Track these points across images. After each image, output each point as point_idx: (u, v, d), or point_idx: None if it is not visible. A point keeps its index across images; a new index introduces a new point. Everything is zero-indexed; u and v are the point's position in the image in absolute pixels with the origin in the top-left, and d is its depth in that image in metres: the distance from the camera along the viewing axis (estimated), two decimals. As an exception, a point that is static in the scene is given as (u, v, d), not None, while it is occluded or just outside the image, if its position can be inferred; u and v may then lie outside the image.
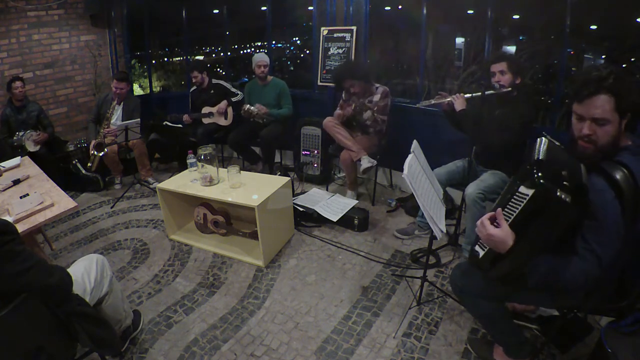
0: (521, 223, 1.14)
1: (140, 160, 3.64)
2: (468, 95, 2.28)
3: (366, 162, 2.87)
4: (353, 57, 3.41)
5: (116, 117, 3.61)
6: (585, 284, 1.11)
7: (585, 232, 1.12)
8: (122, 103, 3.62)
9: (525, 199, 1.10)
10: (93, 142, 3.42)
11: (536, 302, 1.59)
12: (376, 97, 2.96)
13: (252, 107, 3.44)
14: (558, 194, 1.03)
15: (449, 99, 2.34)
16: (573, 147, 1.21)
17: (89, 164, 3.54)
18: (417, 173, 1.71)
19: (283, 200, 2.57)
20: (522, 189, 1.11)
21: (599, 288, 1.26)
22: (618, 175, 1.09)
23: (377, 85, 3.00)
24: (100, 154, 3.37)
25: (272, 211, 2.42)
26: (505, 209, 1.19)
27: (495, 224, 1.19)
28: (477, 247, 1.35)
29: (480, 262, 1.31)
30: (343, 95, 3.12)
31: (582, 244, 1.12)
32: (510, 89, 2.12)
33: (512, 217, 1.16)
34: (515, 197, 1.15)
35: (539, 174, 1.06)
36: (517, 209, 1.14)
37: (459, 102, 2.30)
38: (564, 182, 1.04)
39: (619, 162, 1.12)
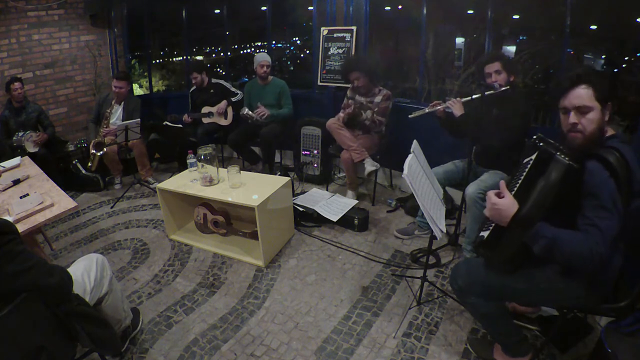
0: (525, 191, 1.25)
1: (140, 160, 3.63)
2: (467, 98, 2.25)
3: (370, 166, 2.89)
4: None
5: (116, 117, 3.62)
6: (590, 257, 1.10)
7: (585, 212, 1.17)
8: (122, 103, 3.62)
9: (529, 164, 1.25)
10: (93, 142, 3.42)
11: (536, 299, 1.59)
12: (378, 99, 2.99)
13: (250, 113, 3.45)
14: (557, 154, 1.20)
15: (444, 105, 2.32)
16: (564, 141, 1.30)
17: (89, 164, 3.54)
18: (417, 173, 1.71)
19: (283, 200, 2.57)
20: (525, 159, 1.28)
21: (600, 283, 1.27)
22: (611, 158, 1.16)
23: (381, 88, 3.02)
24: (100, 153, 3.37)
25: (272, 211, 2.42)
26: (510, 184, 1.34)
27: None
28: (482, 233, 1.42)
29: (485, 244, 1.37)
30: (348, 92, 3.15)
31: (583, 221, 1.17)
32: (509, 87, 2.12)
33: (517, 187, 1.29)
34: (519, 169, 1.31)
35: (541, 143, 1.24)
36: (522, 178, 1.27)
37: (456, 107, 2.28)
38: (563, 149, 1.21)
39: (610, 147, 1.20)
